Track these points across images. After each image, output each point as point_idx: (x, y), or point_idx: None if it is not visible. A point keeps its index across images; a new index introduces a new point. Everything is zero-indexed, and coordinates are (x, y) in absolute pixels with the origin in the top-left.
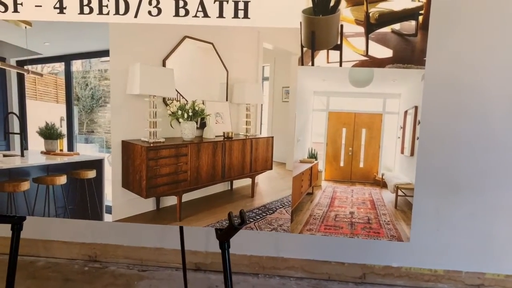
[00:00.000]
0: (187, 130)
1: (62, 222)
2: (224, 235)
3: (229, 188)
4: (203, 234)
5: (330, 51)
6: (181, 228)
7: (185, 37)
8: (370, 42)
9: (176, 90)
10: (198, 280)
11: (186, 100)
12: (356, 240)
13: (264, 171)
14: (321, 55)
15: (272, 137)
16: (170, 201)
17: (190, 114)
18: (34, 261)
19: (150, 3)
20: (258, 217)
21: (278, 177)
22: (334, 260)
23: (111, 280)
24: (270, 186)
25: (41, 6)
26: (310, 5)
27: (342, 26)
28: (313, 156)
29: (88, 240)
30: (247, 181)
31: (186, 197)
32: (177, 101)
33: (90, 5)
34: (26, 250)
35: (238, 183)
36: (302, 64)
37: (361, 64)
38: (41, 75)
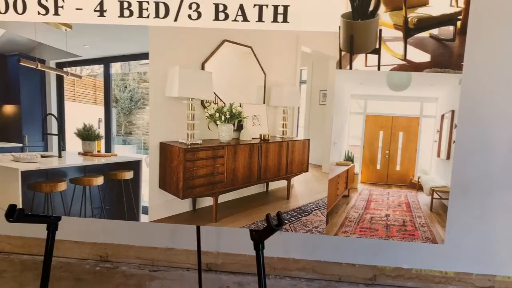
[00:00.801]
0: (224, 132)
1: (74, 221)
2: (260, 236)
3: (265, 189)
4: (214, 235)
5: (368, 55)
6: (198, 228)
7: (224, 40)
8: (408, 46)
9: (214, 93)
10: (209, 281)
11: (223, 102)
12: (367, 240)
13: (300, 173)
14: (359, 59)
15: (309, 139)
16: (206, 202)
17: (228, 116)
18: None
19: (190, 7)
20: (293, 219)
21: (314, 179)
22: (345, 261)
23: (123, 280)
24: (305, 188)
25: (81, 9)
26: (349, 9)
27: (380, 30)
28: (349, 158)
29: (99, 240)
30: (282, 183)
31: (222, 198)
32: (215, 103)
33: (131, 8)
34: (38, 249)
35: (274, 185)
36: (340, 68)
37: (399, 68)
38: (80, 77)
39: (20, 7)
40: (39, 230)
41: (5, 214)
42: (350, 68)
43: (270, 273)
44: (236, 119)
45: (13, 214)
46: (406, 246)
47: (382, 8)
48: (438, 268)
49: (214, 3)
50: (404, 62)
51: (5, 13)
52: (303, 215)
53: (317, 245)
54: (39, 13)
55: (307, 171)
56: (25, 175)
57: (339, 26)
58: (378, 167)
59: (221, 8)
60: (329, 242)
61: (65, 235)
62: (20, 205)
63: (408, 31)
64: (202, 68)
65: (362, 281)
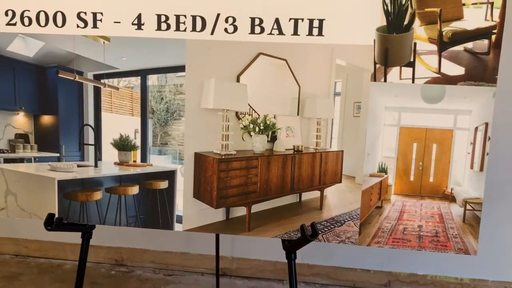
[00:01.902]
0: (258, 143)
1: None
2: (293, 246)
3: (298, 200)
4: (229, 239)
5: (403, 67)
6: (217, 236)
7: (259, 53)
8: (442, 59)
9: (249, 105)
10: (223, 285)
11: (258, 114)
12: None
13: (333, 184)
14: (393, 72)
15: (342, 151)
16: (240, 211)
17: (262, 127)
18: (61, 264)
19: (226, 21)
20: (326, 229)
21: (347, 190)
22: (359, 267)
23: (138, 284)
24: (338, 199)
25: (119, 22)
26: (385, 23)
27: (415, 44)
28: (383, 170)
29: (115, 244)
30: (315, 194)
31: (255, 208)
32: (249, 115)
33: (168, 21)
34: (54, 253)
35: (307, 196)
36: (375, 80)
37: (433, 81)
38: (117, 88)
39: (59, 21)
40: (55, 234)
41: (44, 223)
42: (385, 80)
43: (284, 279)
44: (270, 130)
45: (51, 223)
46: (422, 253)
47: (417, 22)
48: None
49: (250, 17)
50: (438, 75)
51: (45, 26)
52: (336, 225)
53: (331, 251)
54: (78, 26)
55: (340, 182)
56: (62, 184)
57: (374, 40)
58: (412, 178)
59: (257, 22)
60: (344, 248)
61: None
62: (56, 214)
63: (443, 44)
64: (238, 80)
65: (376, 287)
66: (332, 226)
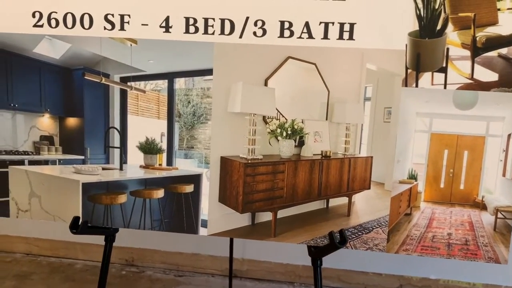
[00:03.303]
0: (285, 148)
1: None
2: (320, 253)
3: (325, 206)
4: (239, 242)
5: (434, 73)
6: (231, 240)
7: (288, 57)
8: (475, 65)
9: (277, 109)
10: (234, 287)
11: (285, 118)
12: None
13: (362, 191)
14: (425, 77)
15: (372, 157)
16: (265, 217)
17: (289, 132)
18: (72, 264)
19: (255, 24)
20: (354, 236)
21: (376, 197)
22: (371, 270)
23: (148, 285)
24: (367, 206)
25: (147, 24)
26: (417, 28)
27: (448, 49)
28: (413, 177)
29: (126, 244)
30: (343, 200)
31: (281, 213)
32: (277, 119)
33: (196, 24)
34: (65, 252)
35: (335, 202)
36: (406, 85)
37: (466, 87)
38: (144, 91)
39: (86, 22)
40: (65, 234)
41: (69, 226)
42: (416, 86)
43: (295, 281)
44: (297, 135)
45: (77, 226)
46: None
47: (450, 27)
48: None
49: (279, 20)
50: (471, 81)
51: (72, 28)
52: (363, 232)
53: (343, 254)
54: (105, 28)
55: (369, 188)
56: (86, 187)
57: (406, 44)
58: (442, 185)
59: (286, 25)
60: (355, 251)
61: (92, 238)
62: (80, 217)
63: (476, 50)
64: (265, 84)
65: None
66: (359, 233)
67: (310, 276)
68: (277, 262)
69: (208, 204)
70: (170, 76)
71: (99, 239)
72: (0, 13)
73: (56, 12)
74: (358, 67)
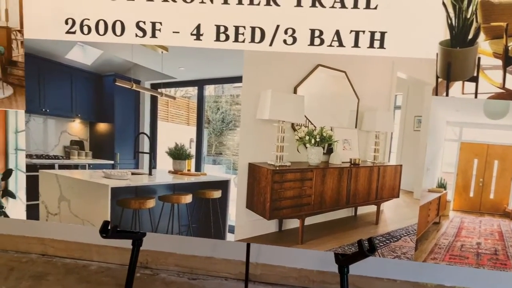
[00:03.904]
0: (314, 155)
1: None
2: (348, 260)
3: (353, 214)
4: (254, 246)
5: (465, 82)
6: (248, 245)
7: (318, 65)
8: (507, 75)
9: (305, 116)
10: None
11: (314, 126)
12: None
13: (391, 199)
14: (456, 86)
15: (401, 165)
16: (293, 223)
17: (318, 139)
18: (87, 265)
19: (286, 32)
20: (382, 244)
21: (404, 205)
22: (386, 276)
23: (162, 287)
24: (395, 214)
25: (178, 32)
26: (448, 37)
27: (479, 58)
28: (442, 185)
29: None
30: (372, 208)
31: (309, 220)
32: (306, 126)
33: (227, 32)
34: (80, 254)
35: (363, 210)
36: (436, 94)
37: (497, 96)
38: (174, 98)
39: (118, 29)
40: (80, 235)
41: (99, 230)
42: (447, 95)
43: (309, 286)
44: (326, 143)
45: (107, 230)
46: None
47: (481, 36)
48: None
49: (310, 29)
50: (503, 91)
51: (103, 34)
52: (391, 240)
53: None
54: (136, 35)
55: (398, 196)
56: (115, 191)
57: (437, 53)
58: (471, 195)
59: (317, 33)
60: (371, 257)
61: (106, 240)
62: (109, 221)
63: (508, 59)
64: (295, 91)
65: None
66: (387, 241)
67: (324, 281)
68: (291, 267)
69: (236, 210)
70: (200, 83)
71: (114, 242)
72: (33, 20)
73: (88, 19)
74: (388, 75)
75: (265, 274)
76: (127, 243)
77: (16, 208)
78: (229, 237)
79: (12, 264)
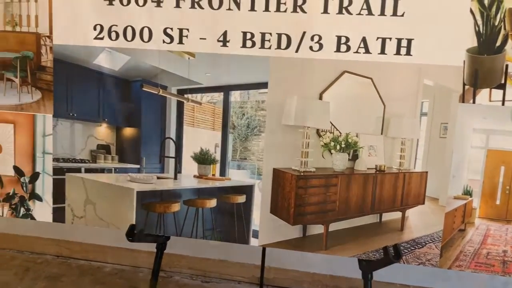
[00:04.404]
0: (339, 162)
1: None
2: (371, 266)
3: (378, 220)
4: (267, 249)
5: (493, 89)
6: (263, 249)
7: (344, 71)
8: None
9: (331, 122)
10: None
11: (339, 132)
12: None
13: (416, 206)
14: (483, 93)
15: (426, 172)
16: (317, 229)
17: (343, 146)
18: (101, 267)
19: (312, 39)
20: (406, 251)
21: (430, 212)
22: (399, 282)
23: None
24: (420, 221)
25: (205, 38)
26: (475, 44)
27: (507, 65)
28: (468, 193)
29: (154, 249)
30: (397, 214)
31: (333, 226)
32: (331, 132)
33: (253, 39)
34: (94, 255)
35: (388, 216)
36: (463, 101)
37: None
38: (200, 103)
39: (146, 36)
40: (94, 236)
41: (126, 234)
42: (474, 102)
43: None
44: (351, 149)
45: (133, 234)
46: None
47: (509, 43)
48: None
49: (336, 35)
50: None
51: (131, 41)
52: (416, 247)
53: None
54: (163, 42)
55: (423, 203)
56: (141, 195)
57: (464, 60)
58: (498, 202)
59: (343, 40)
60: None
61: (120, 242)
62: (134, 224)
63: None
64: (320, 98)
65: None
66: (412, 248)
67: (337, 285)
68: (304, 271)
69: (260, 215)
70: (226, 89)
71: (128, 244)
72: (62, 26)
73: (116, 25)
74: (415, 82)
75: (278, 278)
76: (141, 246)
77: (43, 211)
78: (253, 241)
79: (28, 265)
